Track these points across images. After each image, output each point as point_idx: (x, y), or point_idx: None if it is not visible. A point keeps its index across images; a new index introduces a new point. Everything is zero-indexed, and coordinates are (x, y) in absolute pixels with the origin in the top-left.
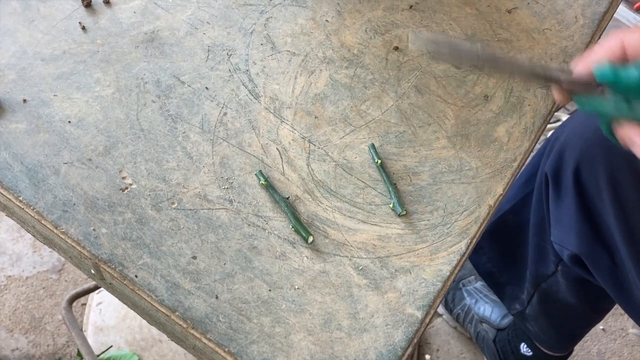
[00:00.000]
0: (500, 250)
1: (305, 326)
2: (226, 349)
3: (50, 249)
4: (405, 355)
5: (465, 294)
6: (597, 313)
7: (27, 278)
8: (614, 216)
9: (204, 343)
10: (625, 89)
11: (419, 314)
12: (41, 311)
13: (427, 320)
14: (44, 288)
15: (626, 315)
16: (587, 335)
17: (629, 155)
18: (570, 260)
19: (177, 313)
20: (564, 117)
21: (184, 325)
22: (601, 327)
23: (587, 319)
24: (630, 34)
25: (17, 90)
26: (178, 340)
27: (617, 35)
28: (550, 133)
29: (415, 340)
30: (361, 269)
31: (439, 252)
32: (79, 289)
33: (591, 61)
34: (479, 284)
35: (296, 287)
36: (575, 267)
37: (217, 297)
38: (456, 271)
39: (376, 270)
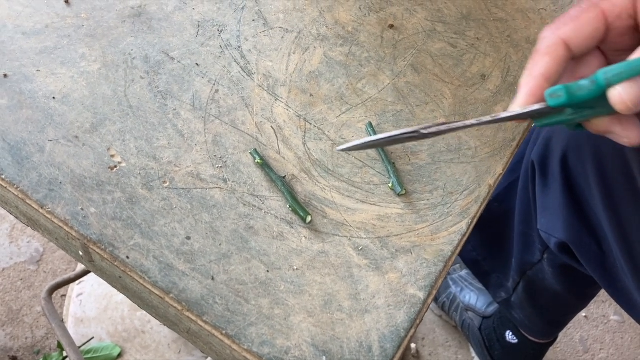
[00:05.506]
0: (486, 239)
1: (305, 307)
2: (224, 332)
3: (27, 240)
4: (408, 337)
5: (451, 282)
6: (582, 300)
7: (3, 269)
8: (602, 203)
9: (200, 326)
10: (584, 104)
11: (422, 295)
12: (19, 303)
13: (429, 301)
14: (21, 279)
15: (608, 303)
16: (570, 322)
17: (614, 142)
18: (557, 248)
19: (171, 295)
20: None
21: (179, 308)
22: (584, 315)
23: (572, 306)
24: (564, 28)
25: None
26: (171, 324)
27: (553, 34)
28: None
29: (418, 322)
30: (361, 249)
31: (439, 232)
32: (59, 279)
33: (537, 86)
34: (464, 272)
35: (295, 267)
36: (562, 255)
37: (213, 279)
38: (457, 251)
39: (376, 251)
